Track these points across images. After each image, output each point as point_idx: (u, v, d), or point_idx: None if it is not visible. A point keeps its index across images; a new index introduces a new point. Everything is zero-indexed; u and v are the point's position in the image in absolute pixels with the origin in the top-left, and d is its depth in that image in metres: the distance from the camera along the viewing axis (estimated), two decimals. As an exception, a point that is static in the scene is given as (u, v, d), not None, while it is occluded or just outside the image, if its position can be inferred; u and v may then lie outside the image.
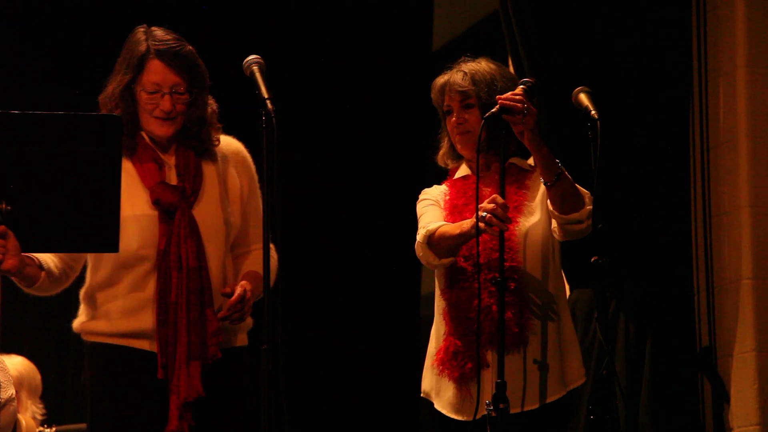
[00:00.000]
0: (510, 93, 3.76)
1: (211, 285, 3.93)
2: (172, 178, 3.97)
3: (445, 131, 4.09)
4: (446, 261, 3.93)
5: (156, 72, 3.93)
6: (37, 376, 5.84)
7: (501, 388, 3.64)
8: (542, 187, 3.94)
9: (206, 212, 3.98)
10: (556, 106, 4.74)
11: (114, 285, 3.94)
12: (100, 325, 3.95)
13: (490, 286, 3.84)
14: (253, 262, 4.06)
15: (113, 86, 3.97)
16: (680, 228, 5.00)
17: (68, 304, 4.44)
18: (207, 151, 4.03)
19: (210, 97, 4.08)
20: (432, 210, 4.05)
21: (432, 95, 4.05)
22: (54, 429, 5.53)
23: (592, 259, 3.85)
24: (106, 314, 3.94)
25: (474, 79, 3.96)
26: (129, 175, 3.92)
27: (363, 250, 6.45)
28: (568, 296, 4.96)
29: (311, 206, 6.49)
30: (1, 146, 3.50)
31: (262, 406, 3.53)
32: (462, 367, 3.87)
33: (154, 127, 3.96)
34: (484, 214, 3.68)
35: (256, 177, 4.13)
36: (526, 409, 3.87)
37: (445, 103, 4.02)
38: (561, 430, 3.92)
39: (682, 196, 5.00)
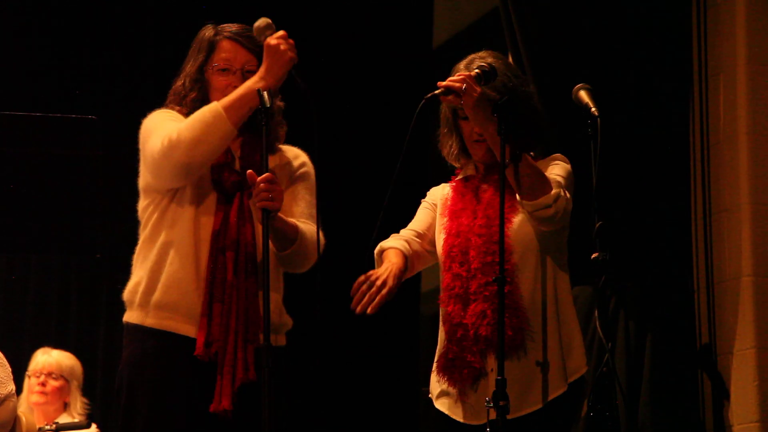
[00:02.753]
0: (452, 77, 3.76)
1: (259, 273, 3.89)
2: (236, 165, 3.96)
3: (455, 131, 4.01)
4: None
5: (227, 50, 3.95)
6: (82, 373, 6.08)
7: (501, 385, 3.64)
8: None
9: None
10: (557, 104, 4.74)
11: (164, 259, 3.88)
12: (144, 312, 3.90)
13: (485, 290, 3.83)
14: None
15: (185, 74, 3.96)
16: (680, 225, 5.00)
17: (116, 301, 4.41)
18: (270, 145, 3.98)
19: (278, 94, 4.06)
20: (420, 215, 4.08)
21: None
22: (54, 426, 5.55)
23: (593, 256, 3.85)
24: (159, 293, 3.88)
25: (496, 86, 3.86)
26: None
27: (362, 247, 6.45)
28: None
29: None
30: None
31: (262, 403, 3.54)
32: (460, 373, 3.87)
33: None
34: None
35: (312, 182, 4.12)
36: (529, 411, 3.86)
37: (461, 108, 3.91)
38: (566, 424, 3.91)
39: (683, 193, 5.01)
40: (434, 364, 4.00)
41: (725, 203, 4.91)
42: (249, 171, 3.78)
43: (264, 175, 3.74)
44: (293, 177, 4.06)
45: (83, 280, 6.80)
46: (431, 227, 4.05)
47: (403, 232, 4.07)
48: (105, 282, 6.55)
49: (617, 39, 5.00)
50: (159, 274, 3.86)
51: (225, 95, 3.87)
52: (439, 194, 4.10)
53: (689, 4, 5.03)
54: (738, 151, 4.87)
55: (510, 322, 3.81)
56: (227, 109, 3.82)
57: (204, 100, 3.92)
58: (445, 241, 3.94)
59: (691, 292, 4.98)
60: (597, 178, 3.88)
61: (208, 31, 4.00)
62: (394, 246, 3.98)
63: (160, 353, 3.85)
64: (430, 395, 4.04)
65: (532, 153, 3.93)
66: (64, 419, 5.87)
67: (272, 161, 3.96)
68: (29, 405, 5.89)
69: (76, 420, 5.81)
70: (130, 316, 3.92)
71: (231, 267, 3.84)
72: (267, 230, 3.69)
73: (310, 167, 4.14)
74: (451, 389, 3.91)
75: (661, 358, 4.83)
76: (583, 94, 4.04)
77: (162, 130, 3.82)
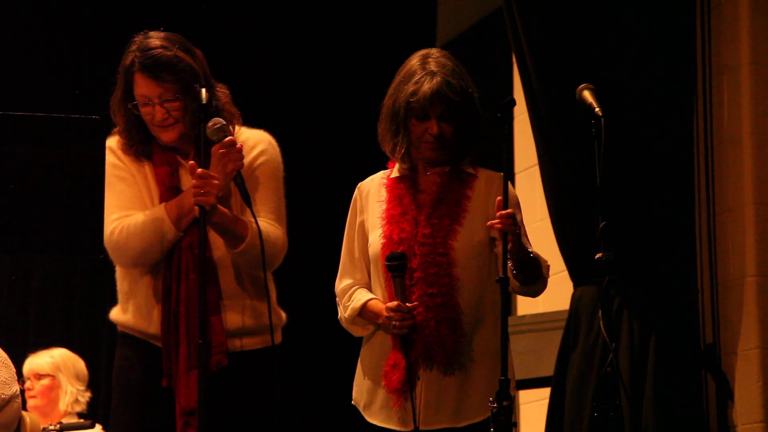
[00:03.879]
0: (504, 218, 3.71)
1: (217, 294, 3.94)
2: (187, 182, 3.97)
3: (402, 131, 3.93)
4: (364, 332, 3.98)
5: (141, 85, 3.96)
6: (78, 363, 6.18)
7: (504, 385, 3.64)
8: (483, 194, 3.93)
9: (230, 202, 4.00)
10: (560, 103, 4.73)
11: (136, 281, 4.01)
12: (125, 317, 4.03)
13: (428, 301, 3.83)
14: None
15: (113, 103, 4.02)
16: (684, 225, 4.99)
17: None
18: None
19: (221, 86, 4.06)
20: (355, 244, 4.00)
21: (407, 96, 3.89)
22: (58, 426, 5.58)
23: (596, 256, 3.85)
24: (131, 308, 4.01)
25: (459, 91, 3.88)
26: (145, 179, 3.94)
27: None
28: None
29: (312, 205, 6.49)
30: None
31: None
32: (400, 379, 3.84)
33: (159, 134, 3.98)
34: (394, 323, 3.77)
35: (272, 165, 4.10)
36: (443, 427, 3.87)
37: (423, 109, 3.88)
38: None
39: (686, 193, 5.00)
40: (368, 371, 3.98)
41: (729, 203, 4.90)
42: (191, 162, 3.82)
43: (197, 171, 3.79)
44: (251, 168, 4.05)
45: (86, 281, 6.82)
46: (367, 255, 4.00)
47: (358, 280, 4.00)
48: (108, 282, 6.56)
49: (621, 38, 4.99)
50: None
51: (154, 125, 3.95)
52: (367, 189, 4.04)
53: (693, 5, 5.02)
54: (742, 151, 4.86)
55: (452, 336, 3.84)
56: (175, 221, 3.92)
57: (140, 124, 3.97)
58: (385, 246, 3.89)
59: (695, 292, 4.98)
60: (600, 178, 3.88)
61: (127, 58, 4.00)
62: (372, 297, 3.94)
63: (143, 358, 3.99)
64: (354, 403, 4.02)
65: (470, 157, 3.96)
66: (68, 419, 5.91)
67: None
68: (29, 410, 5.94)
69: (81, 420, 5.84)
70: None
71: (174, 295, 3.94)
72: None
73: (270, 154, 4.12)
74: (386, 396, 3.89)
75: (665, 358, 4.82)
76: (587, 94, 4.04)
77: (110, 211, 3.89)
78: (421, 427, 3.83)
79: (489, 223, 3.78)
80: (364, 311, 3.92)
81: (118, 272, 4.08)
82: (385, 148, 4.01)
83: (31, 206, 3.55)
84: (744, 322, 4.81)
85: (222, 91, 4.06)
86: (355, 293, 3.95)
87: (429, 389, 3.85)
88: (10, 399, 4.42)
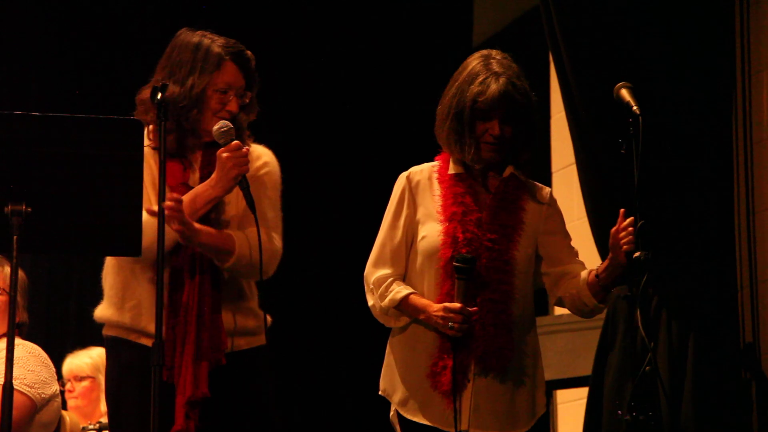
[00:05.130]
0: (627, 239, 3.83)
1: (220, 292, 3.97)
2: (196, 180, 3.99)
3: (468, 131, 3.92)
4: (398, 323, 3.97)
5: (230, 73, 3.97)
6: None
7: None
8: (535, 207, 3.99)
9: (233, 202, 4.00)
10: (597, 102, 4.72)
11: (137, 278, 3.99)
12: (120, 316, 4.01)
13: (490, 306, 3.86)
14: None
15: (187, 87, 3.95)
16: (723, 223, 4.97)
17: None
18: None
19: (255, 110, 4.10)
20: (398, 243, 3.98)
21: (474, 96, 3.89)
22: (98, 426, 5.62)
23: (635, 255, 3.83)
24: (129, 306, 3.99)
25: (522, 94, 3.91)
26: (152, 171, 3.94)
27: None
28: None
29: (339, 202, 6.51)
30: (22, 148, 3.52)
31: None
32: (453, 381, 3.85)
33: (210, 125, 3.95)
34: (452, 325, 3.78)
35: (274, 177, 4.11)
36: None
37: (488, 109, 3.90)
38: None
39: (726, 192, 4.97)
40: (398, 364, 3.98)
41: (768, 201, 4.88)
42: (174, 195, 3.84)
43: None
44: (254, 177, 4.05)
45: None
46: (408, 246, 3.99)
47: (396, 271, 3.99)
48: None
49: (659, 36, 4.97)
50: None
51: (216, 116, 3.93)
52: (417, 180, 4.02)
53: (732, 3, 5.00)
54: (781, 149, 4.84)
55: (508, 343, 3.88)
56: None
57: (200, 119, 3.97)
58: (447, 244, 3.90)
59: (734, 291, 4.95)
60: (639, 176, 3.86)
61: (214, 46, 4.00)
62: (412, 291, 3.94)
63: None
64: (383, 394, 4.00)
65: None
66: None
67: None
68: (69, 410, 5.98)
69: None
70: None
71: (187, 288, 3.93)
72: (162, 239, 3.67)
73: (273, 167, 4.13)
74: (431, 396, 3.89)
75: (704, 358, 4.80)
76: (625, 93, 4.02)
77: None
78: (472, 431, 3.85)
79: (623, 244, 3.84)
80: (403, 304, 3.91)
81: (111, 270, 4.05)
82: (448, 148, 4.01)
83: (70, 207, 3.56)
84: (784, 321, 4.78)
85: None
86: (393, 285, 3.94)
87: (479, 393, 3.87)
88: (51, 398, 4.45)
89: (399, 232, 3.98)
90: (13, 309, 3.58)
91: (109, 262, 4.05)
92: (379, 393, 4.02)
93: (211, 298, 3.92)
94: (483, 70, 3.92)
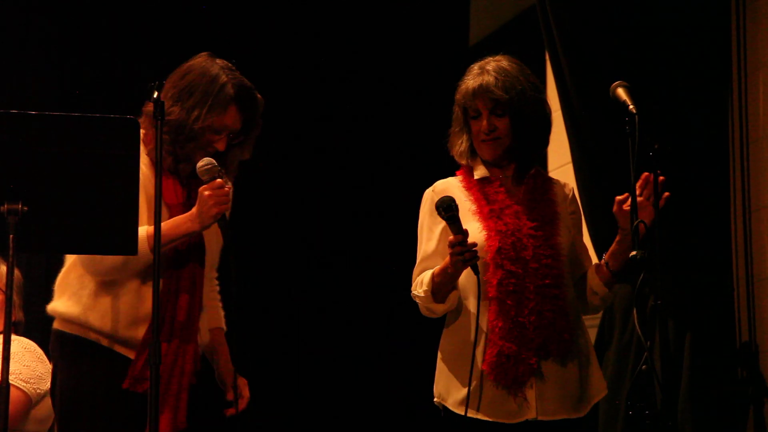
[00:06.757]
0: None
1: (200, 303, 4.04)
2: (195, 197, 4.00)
3: (465, 130, 4.07)
4: (445, 307, 3.96)
5: (231, 116, 3.99)
6: None
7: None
8: (562, 200, 4.08)
9: (214, 238, 4.05)
10: (594, 101, 4.72)
11: (116, 283, 3.95)
12: (90, 316, 3.95)
13: (545, 291, 3.90)
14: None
15: (191, 118, 3.96)
16: (719, 222, 4.97)
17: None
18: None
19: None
20: (436, 241, 4.02)
21: (458, 96, 4.05)
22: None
23: (631, 254, 3.84)
24: (99, 308, 3.94)
25: (506, 86, 3.97)
26: (147, 191, 3.94)
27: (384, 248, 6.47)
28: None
29: (340, 201, 6.50)
30: (18, 147, 3.52)
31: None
32: (516, 371, 3.87)
33: (198, 157, 3.96)
34: (462, 257, 3.77)
35: None
36: (574, 416, 3.94)
37: (473, 107, 4.01)
38: None
39: (721, 190, 4.98)
40: (450, 367, 3.98)
41: (764, 200, 4.87)
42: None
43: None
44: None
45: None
46: (444, 252, 3.97)
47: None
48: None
49: (655, 35, 4.97)
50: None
51: (204, 153, 3.95)
52: (443, 189, 4.06)
53: (728, 1, 5.00)
54: (777, 148, 4.84)
55: (566, 327, 3.92)
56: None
57: (194, 152, 3.98)
58: (492, 237, 3.93)
59: (730, 290, 4.95)
60: (634, 175, 3.87)
61: (229, 86, 4.00)
62: (429, 272, 3.97)
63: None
64: (441, 401, 3.99)
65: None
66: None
67: None
68: None
69: None
70: None
71: (185, 307, 3.97)
72: (158, 245, 3.69)
73: None
74: (494, 389, 3.90)
75: (701, 357, 4.81)
76: (621, 92, 4.02)
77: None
78: (540, 418, 3.87)
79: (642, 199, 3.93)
80: (433, 277, 3.91)
81: (83, 269, 3.99)
82: (452, 150, 4.11)
83: (67, 205, 3.56)
84: (780, 320, 4.78)
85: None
86: (422, 275, 3.98)
87: (543, 381, 3.89)
88: (46, 394, 4.45)
89: (434, 243, 4.02)
90: (9, 308, 3.58)
91: (80, 260, 3.99)
92: (434, 401, 4.02)
93: (197, 321, 4.00)
94: (469, 74, 4.05)
